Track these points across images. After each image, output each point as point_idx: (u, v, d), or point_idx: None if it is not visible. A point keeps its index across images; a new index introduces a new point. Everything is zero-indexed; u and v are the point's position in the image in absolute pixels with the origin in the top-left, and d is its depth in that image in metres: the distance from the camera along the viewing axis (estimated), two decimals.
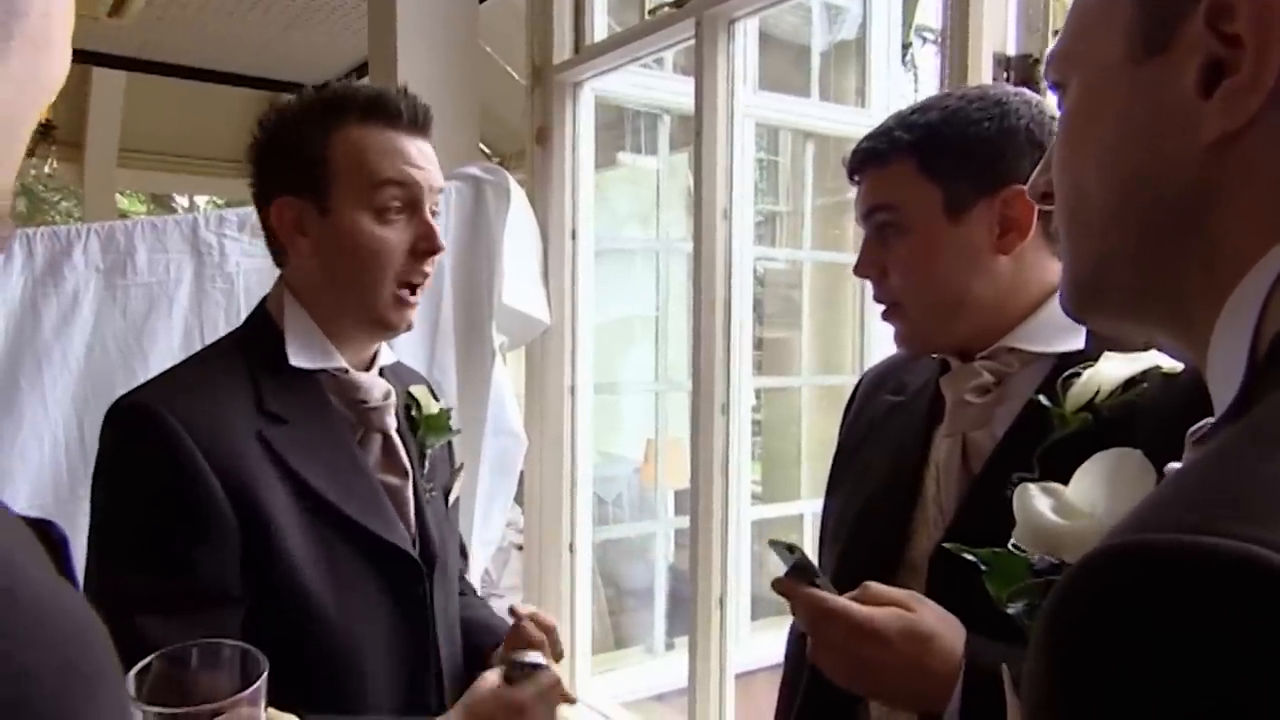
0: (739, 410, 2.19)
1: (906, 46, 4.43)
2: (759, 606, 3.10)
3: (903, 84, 4.08)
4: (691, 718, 2.21)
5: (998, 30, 1.57)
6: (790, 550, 0.86)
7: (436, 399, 1.23)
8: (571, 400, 2.56)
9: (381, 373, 1.16)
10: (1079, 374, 0.87)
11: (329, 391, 1.08)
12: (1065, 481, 0.84)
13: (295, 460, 1.01)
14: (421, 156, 1.08)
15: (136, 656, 0.67)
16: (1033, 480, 0.86)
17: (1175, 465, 0.53)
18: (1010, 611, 0.61)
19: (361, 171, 1.05)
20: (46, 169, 4.96)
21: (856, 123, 3.30)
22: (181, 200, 9.17)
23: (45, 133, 4.79)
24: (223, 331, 2.07)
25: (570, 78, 2.51)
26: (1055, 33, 1.59)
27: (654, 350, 3.31)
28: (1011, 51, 1.56)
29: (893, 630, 0.80)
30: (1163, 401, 0.84)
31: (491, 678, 1.06)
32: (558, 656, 1.14)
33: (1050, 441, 0.86)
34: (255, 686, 0.68)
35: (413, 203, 1.07)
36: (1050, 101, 1.08)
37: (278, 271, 2.19)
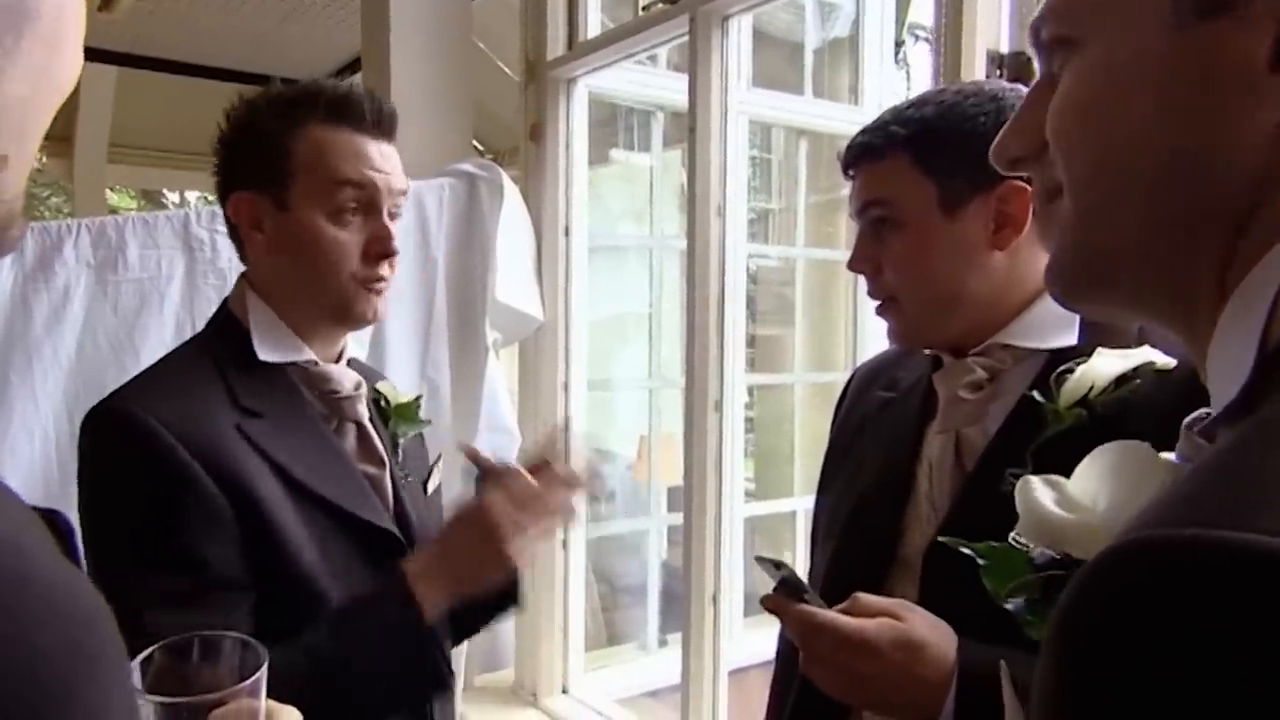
0: (732, 407, 2.19)
1: (899, 44, 4.43)
2: (752, 603, 3.11)
3: (895, 81, 4.08)
4: (685, 714, 2.21)
5: (991, 28, 1.57)
6: (777, 566, 0.86)
7: (400, 392, 1.24)
8: (565, 397, 2.56)
9: (350, 364, 1.17)
10: (1072, 370, 0.87)
11: (299, 384, 1.09)
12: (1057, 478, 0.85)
13: (276, 451, 1.01)
14: (383, 159, 1.08)
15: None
16: (1025, 474, 0.87)
17: (1169, 456, 0.52)
18: (1009, 607, 0.61)
19: (321, 171, 1.05)
20: (36, 164, 4.92)
21: (850, 120, 3.30)
22: (172, 196, 9.12)
23: None
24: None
25: (564, 74, 2.51)
26: None
27: (647, 347, 3.31)
28: (1004, 49, 1.57)
29: (884, 641, 0.80)
30: (1156, 398, 0.84)
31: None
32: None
33: (1044, 438, 0.86)
34: (255, 677, 0.68)
35: (370, 204, 1.07)
36: None
37: None
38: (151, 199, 9.60)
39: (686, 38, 2.12)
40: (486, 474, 1.08)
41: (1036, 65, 0.51)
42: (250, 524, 0.98)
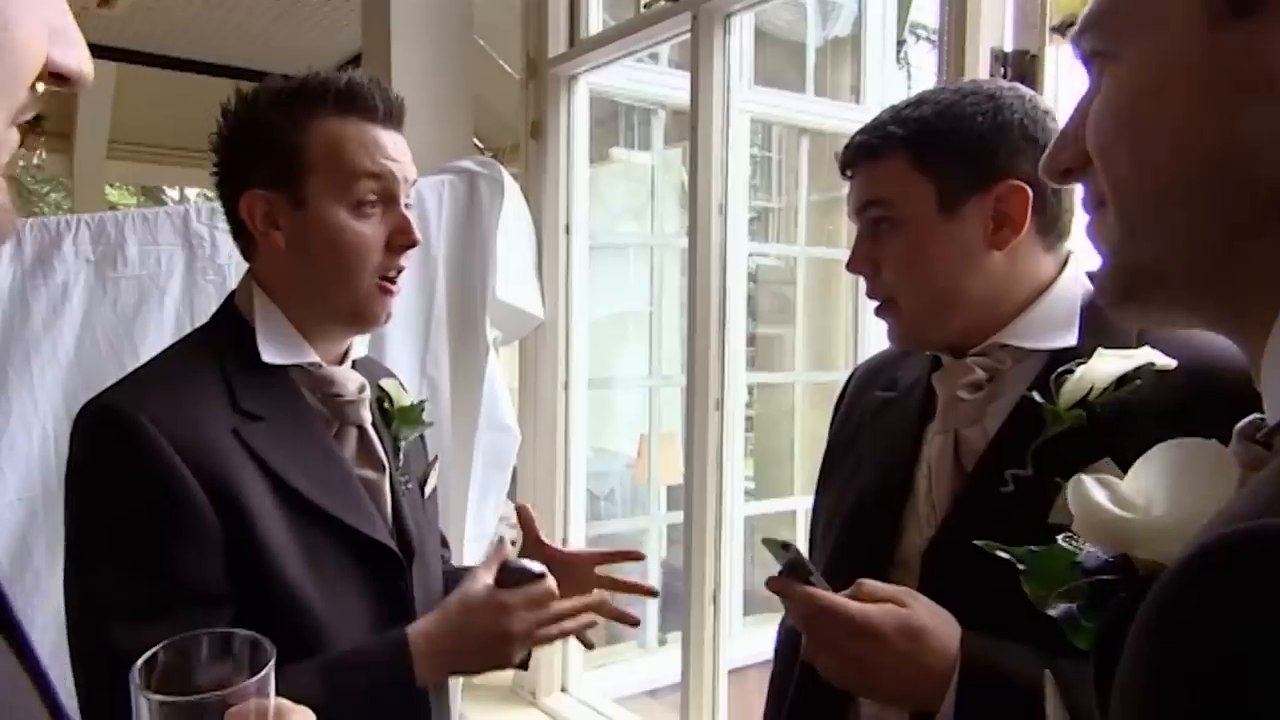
0: (733, 406, 2.19)
1: (901, 43, 4.43)
2: (751, 602, 3.11)
3: (897, 80, 4.08)
4: (685, 713, 2.20)
5: (995, 26, 1.57)
6: (784, 548, 0.86)
7: (405, 391, 1.23)
8: (565, 395, 2.55)
9: (355, 365, 1.15)
10: (1072, 370, 0.87)
11: (302, 386, 1.07)
12: (1056, 479, 0.84)
13: (272, 457, 0.99)
14: (396, 149, 1.06)
15: (119, 662, 0.66)
16: (1025, 475, 0.86)
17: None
18: (1053, 613, 0.59)
19: (338, 164, 1.03)
20: (35, 160, 4.92)
21: (851, 118, 3.30)
22: (172, 193, 9.11)
23: (34, 124, 4.75)
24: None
25: (565, 71, 2.50)
26: (1053, 29, 1.59)
27: (648, 345, 3.30)
28: (1009, 47, 1.56)
29: (887, 627, 0.80)
30: (1156, 399, 0.83)
31: (484, 576, 1.06)
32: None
33: (1044, 438, 0.86)
34: (263, 674, 0.67)
35: (389, 195, 1.05)
36: (1043, 97, 1.08)
37: None
38: (151, 195, 9.59)
39: (688, 35, 2.11)
40: (511, 573, 1.07)
41: (1077, 37, 0.50)
42: (235, 533, 0.95)
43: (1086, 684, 0.42)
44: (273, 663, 0.68)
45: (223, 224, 2.05)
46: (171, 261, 2.05)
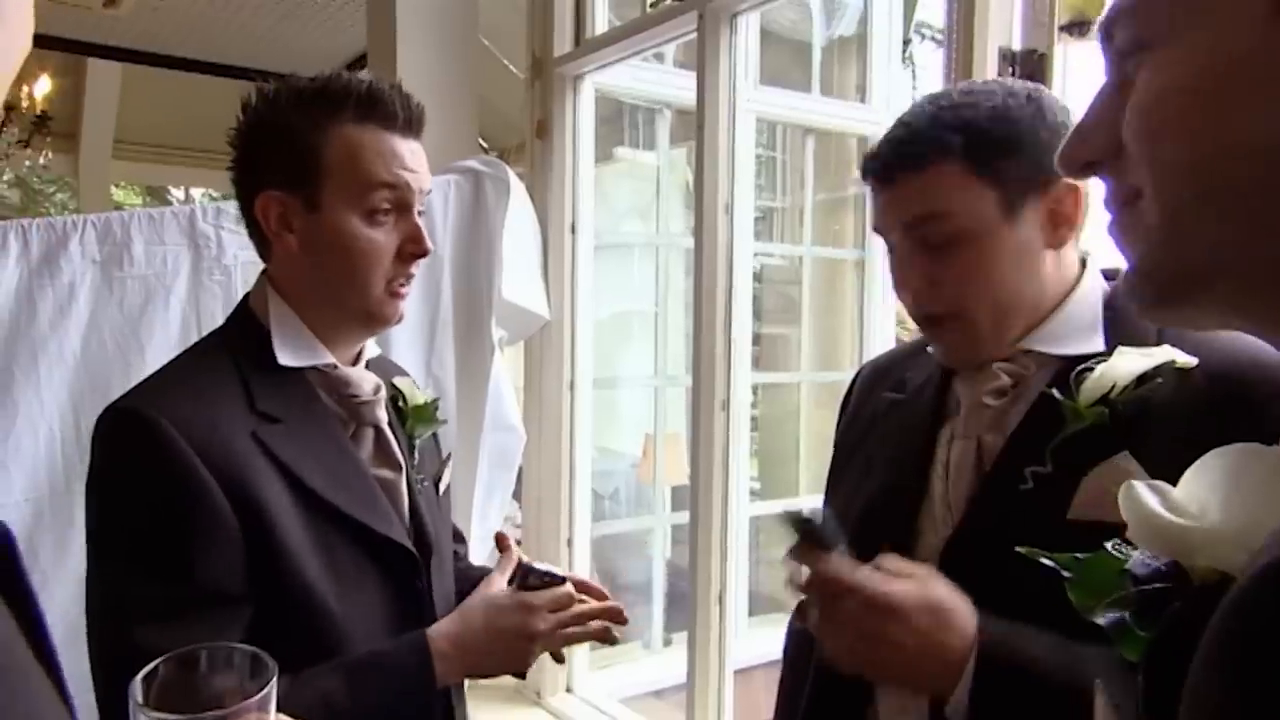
0: (739, 406, 2.18)
1: (906, 43, 4.42)
2: (757, 602, 3.10)
3: (903, 80, 4.07)
4: (690, 713, 2.20)
5: (1003, 25, 1.56)
6: (805, 520, 0.82)
7: (419, 389, 1.23)
8: (570, 395, 2.55)
9: (368, 366, 1.15)
10: (1091, 369, 0.86)
11: (318, 388, 1.07)
12: (1076, 477, 0.83)
13: (291, 458, 1.00)
14: (414, 158, 1.06)
15: (138, 664, 0.66)
16: (1045, 472, 0.85)
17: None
18: (1101, 622, 0.58)
19: (355, 172, 1.03)
20: (41, 160, 4.92)
21: (857, 118, 3.30)
22: (177, 192, 9.13)
23: (40, 124, 4.77)
24: (220, 324, 2.08)
25: (571, 71, 2.50)
26: (1061, 27, 1.58)
27: (653, 345, 3.30)
28: (1017, 46, 1.56)
29: (910, 604, 0.78)
30: (1178, 398, 0.83)
31: (501, 580, 1.09)
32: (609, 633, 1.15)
33: (1063, 435, 0.85)
34: (264, 693, 0.66)
35: (402, 204, 1.05)
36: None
37: None
38: (156, 195, 9.61)
39: (695, 35, 2.11)
40: (532, 576, 1.09)
41: (1108, 24, 0.48)
42: (254, 534, 0.96)
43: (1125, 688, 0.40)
44: (274, 680, 0.67)
45: (229, 224, 2.09)
46: (178, 261, 2.05)
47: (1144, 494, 0.56)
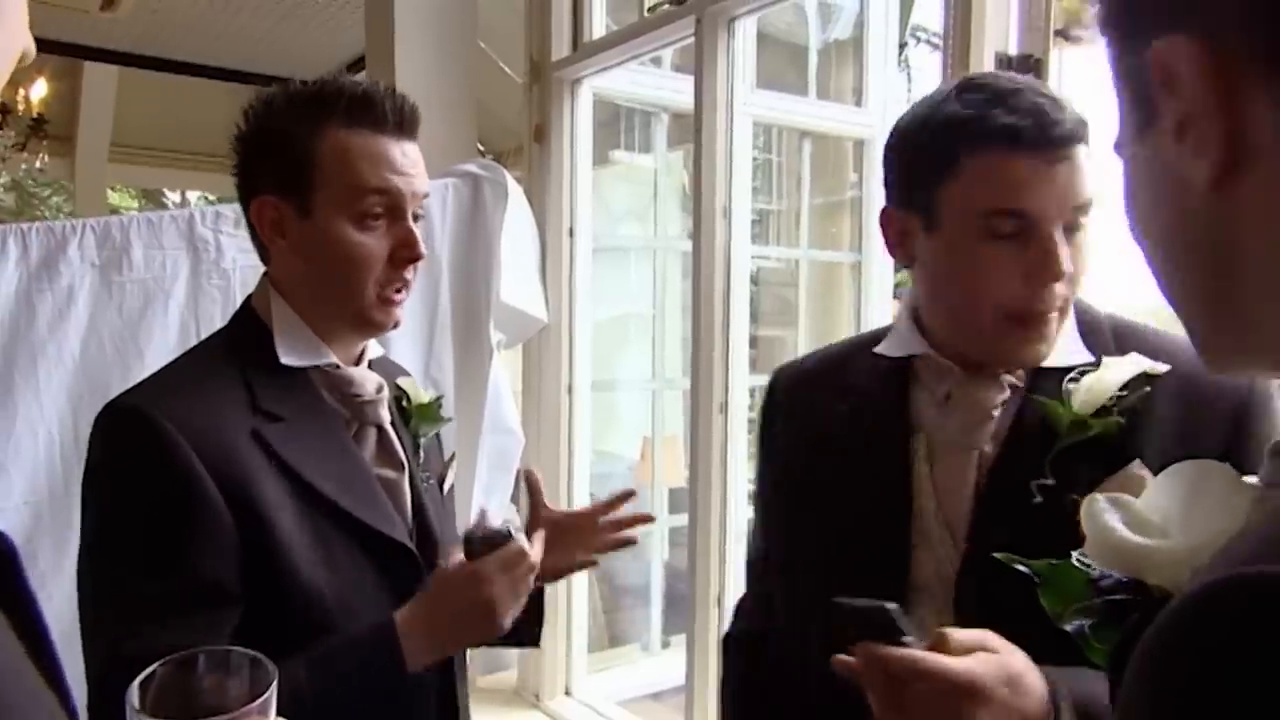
0: (736, 409, 2.19)
1: (902, 46, 4.43)
2: None
3: (899, 83, 4.08)
4: (690, 715, 2.21)
5: (999, 30, 1.57)
6: (879, 612, 0.75)
7: (422, 389, 1.23)
8: (569, 398, 2.56)
9: (370, 366, 1.15)
10: (1077, 380, 0.87)
11: (321, 387, 1.07)
12: (1076, 487, 0.83)
13: (292, 457, 1.00)
14: (406, 161, 1.05)
15: (129, 661, 0.65)
16: (1050, 484, 0.85)
17: (1251, 479, 0.50)
18: (1068, 628, 0.57)
19: (345, 178, 1.02)
20: (37, 164, 4.92)
21: (853, 121, 3.31)
22: (173, 195, 9.12)
23: (36, 127, 4.76)
24: (219, 327, 2.08)
25: (569, 75, 2.51)
26: (1057, 32, 1.59)
27: (650, 348, 3.30)
28: (1013, 51, 1.57)
29: (990, 680, 0.72)
30: (1160, 403, 0.85)
31: (457, 552, 1.05)
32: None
33: (1061, 446, 0.86)
34: (264, 697, 0.65)
35: (395, 210, 1.05)
36: None
37: None
38: (152, 198, 9.60)
39: (692, 39, 2.12)
40: (475, 543, 1.04)
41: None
42: (252, 533, 0.96)
43: None
44: (275, 684, 0.66)
45: (227, 228, 2.09)
46: (176, 266, 2.05)
47: (1104, 510, 0.57)
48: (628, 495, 1.23)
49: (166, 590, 0.93)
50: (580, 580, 2.60)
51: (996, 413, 0.92)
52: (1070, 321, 0.92)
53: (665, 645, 3.27)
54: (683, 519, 3.15)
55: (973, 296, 0.89)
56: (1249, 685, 0.31)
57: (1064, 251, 0.85)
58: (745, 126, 2.26)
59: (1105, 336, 0.93)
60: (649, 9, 2.39)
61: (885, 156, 0.97)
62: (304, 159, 1.02)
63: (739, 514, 2.35)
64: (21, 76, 4.30)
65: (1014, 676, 0.73)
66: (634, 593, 3.38)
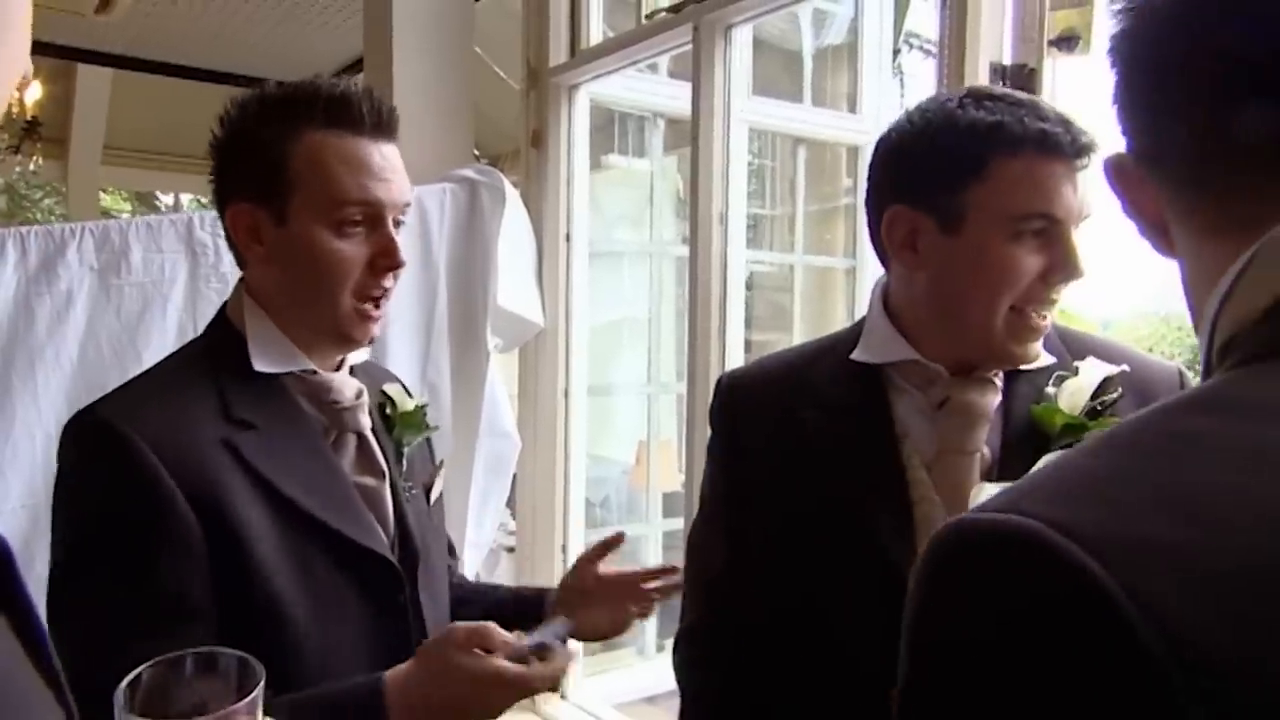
0: None
1: (895, 52, 4.46)
2: None
3: (892, 90, 4.10)
4: None
5: (994, 40, 1.59)
6: None
7: (410, 396, 1.19)
8: (565, 402, 2.57)
9: (352, 371, 1.11)
10: (1056, 384, 0.91)
11: (298, 394, 1.04)
12: None
13: (265, 466, 0.97)
14: (386, 165, 1.02)
15: (106, 676, 0.64)
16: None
17: None
18: None
19: (321, 184, 0.99)
20: (31, 166, 4.91)
21: (847, 128, 3.33)
22: (166, 198, 9.09)
23: (30, 129, 4.75)
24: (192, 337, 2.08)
25: (566, 81, 2.52)
26: (1050, 43, 1.61)
27: (646, 353, 3.32)
28: (1007, 61, 1.59)
29: None
30: (1122, 402, 0.91)
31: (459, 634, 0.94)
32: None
33: (1056, 448, 0.88)
34: (251, 696, 0.65)
35: (374, 219, 1.01)
36: None
37: None
38: (145, 201, 9.57)
39: (690, 47, 2.13)
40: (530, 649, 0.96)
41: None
42: (222, 546, 0.93)
43: None
44: (262, 684, 0.66)
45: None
46: (175, 269, 2.06)
47: (988, 495, 0.61)
48: (672, 570, 1.19)
49: (133, 605, 0.90)
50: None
51: (990, 414, 0.95)
52: None
53: (660, 649, 3.28)
54: (676, 523, 3.17)
55: (992, 295, 0.91)
56: (945, 627, 0.38)
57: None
58: (741, 133, 2.27)
59: (1056, 342, 0.97)
60: (646, 16, 2.41)
61: (888, 158, 0.97)
62: (279, 164, 0.99)
63: None
64: None
65: None
66: None
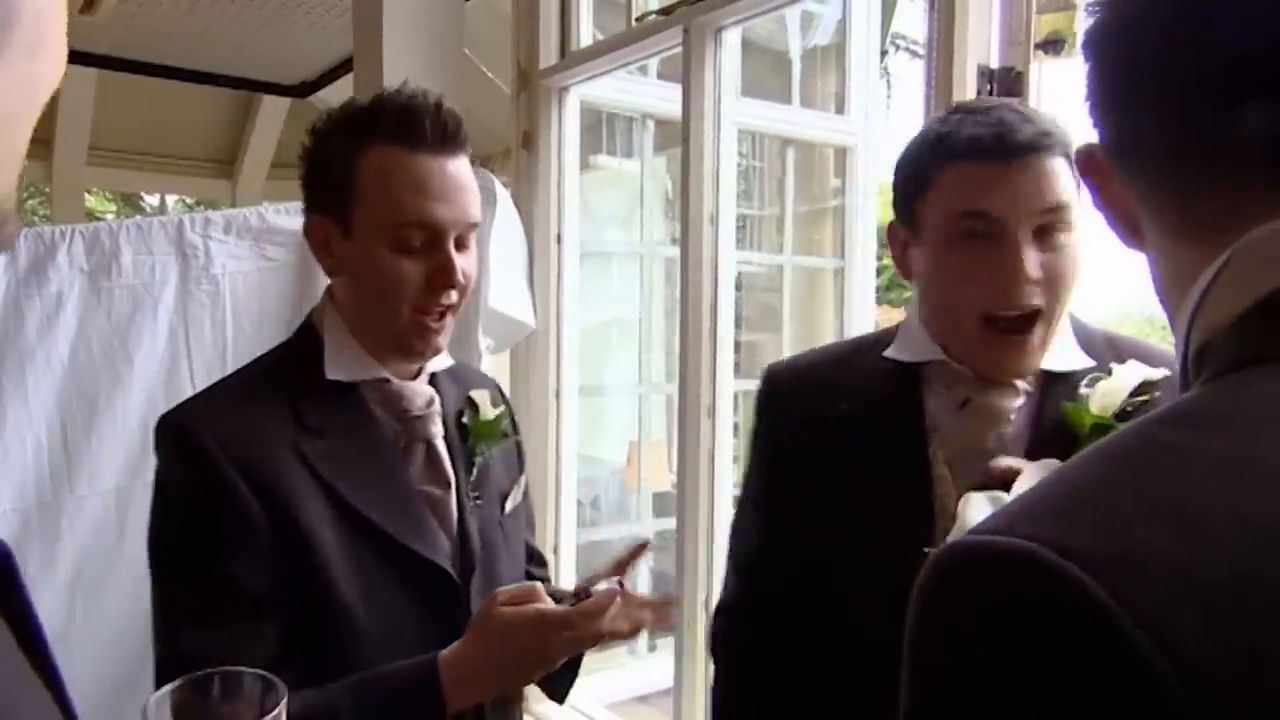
0: (724, 413, 2.22)
1: (883, 54, 4.49)
2: None
3: (879, 91, 4.13)
4: (677, 718, 2.23)
5: (981, 43, 1.61)
6: None
7: (503, 402, 1.21)
8: (556, 403, 2.57)
9: (434, 378, 1.13)
10: (1090, 385, 0.91)
11: (373, 403, 1.07)
12: None
13: (332, 474, 1.00)
14: (447, 184, 1.01)
15: (175, 663, 0.69)
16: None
17: None
18: None
19: (382, 204, 1.01)
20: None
21: (835, 129, 3.35)
22: (151, 199, 9.03)
23: None
24: (207, 334, 2.09)
25: (556, 83, 2.53)
26: (1037, 46, 1.63)
27: (636, 353, 3.33)
28: (995, 64, 1.60)
29: None
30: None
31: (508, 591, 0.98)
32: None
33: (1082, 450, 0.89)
34: (273, 714, 0.68)
35: (433, 239, 1.02)
36: None
37: (264, 275, 2.17)
38: (130, 202, 9.50)
39: (680, 49, 2.14)
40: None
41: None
42: (290, 548, 0.97)
43: None
44: (284, 703, 0.68)
45: (217, 234, 2.10)
46: (165, 271, 2.05)
47: (971, 505, 0.62)
48: (642, 549, 1.16)
49: (205, 597, 0.96)
50: (568, 586, 2.61)
51: (1013, 417, 0.96)
52: (1067, 331, 0.96)
53: (652, 649, 3.30)
54: (667, 523, 3.18)
55: (953, 300, 0.95)
56: (945, 649, 0.38)
57: (1030, 255, 0.90)
58: (731, 134, 2.29)
59: (1101, 345, 0.98)
60: (636, 18, 2.42)
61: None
62: (344, 180, 1.02)
63: (726, 518, 2.37)
64: None
65: None
66: None
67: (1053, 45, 1.67)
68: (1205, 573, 0.34)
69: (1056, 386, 0.96)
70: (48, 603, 1.82)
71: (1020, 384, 0.97)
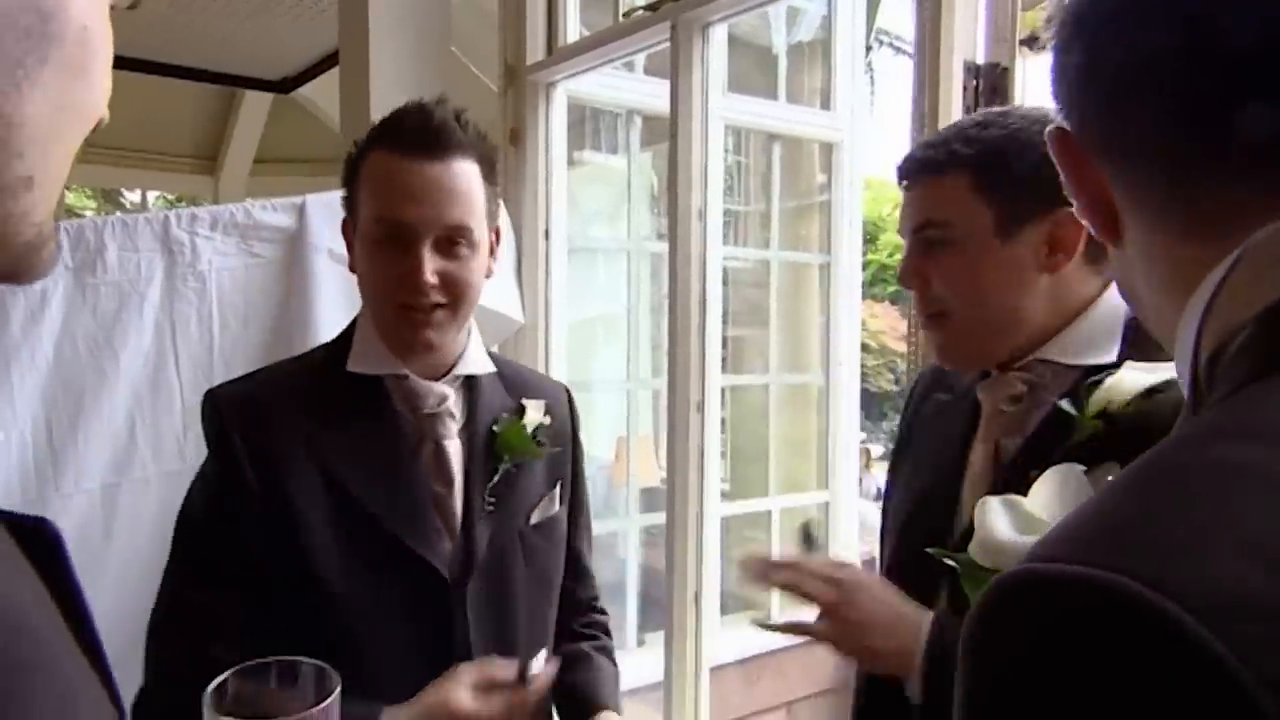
0: (712, 408, 2.23)
1: (868, 49, 4.51)
2: (729, 602, 3.15)
3: (863, 87, 4.15)
4: (668, 712, 2.24)
5: (967, 40, 1.62)
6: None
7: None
8: None
9: (474, 380, 1.14)
10: (1100, 380, 0.91)
11: (395, 399, 1.10)
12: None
13: (337, 462, 1.04)
14: (427, 187, 1.01)
15: (161, 625, 0.77)
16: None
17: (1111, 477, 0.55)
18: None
19: (367, 204, 1.06)
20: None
21: (821, 124, 3.36)
22: (132, 196, 8.95)
23: None
24: (194, 331, 2.07)
25: (543, 79, 2.52)
26: (1022, 42, 1.65)
27: (624, 349, 3.33)
28: (981, 60, 1.62)
29: (864, 576, 0.94)
30: (1172, 411, 0.88)
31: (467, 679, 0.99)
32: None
33: (1069, 445, 0.89)
34: (329, 702, 0.70)
35: (405, 239, 1.02)
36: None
37: (251, 271, 2.17)
38: (110, 199, 9.42)
39: (668, 44, 2.15)
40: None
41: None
42: (276, 521, 1.02)
43: None
44: (338, 691, 0.71)
45: (203, 230, 2.08)
46: (151, 268, 2.04)
47: (991, 511, 0.63)
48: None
49: (185, 558, 1.05)
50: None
51: (1006, 407, 0.98)
52: (1100, 325, 0.96)
53: (641, 643, 3.31)
54: (655, 518, 3.19)
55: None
56: (1017, 679, 0.35)
57: (911, 260, 1.01)
58: (719, 130, 2.29)
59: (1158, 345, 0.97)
60: (624, 14, 2.42)
61: None
62: (352, 183, 1.09)
63: (714, 512, 2.38)
64: None
65: (887, 583, 0.96)
66: (609, 591, 3.39)
67: (1035, 41, 1.69)
68: None
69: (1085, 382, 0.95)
70: None
71: (1023, 374, 0.98)
